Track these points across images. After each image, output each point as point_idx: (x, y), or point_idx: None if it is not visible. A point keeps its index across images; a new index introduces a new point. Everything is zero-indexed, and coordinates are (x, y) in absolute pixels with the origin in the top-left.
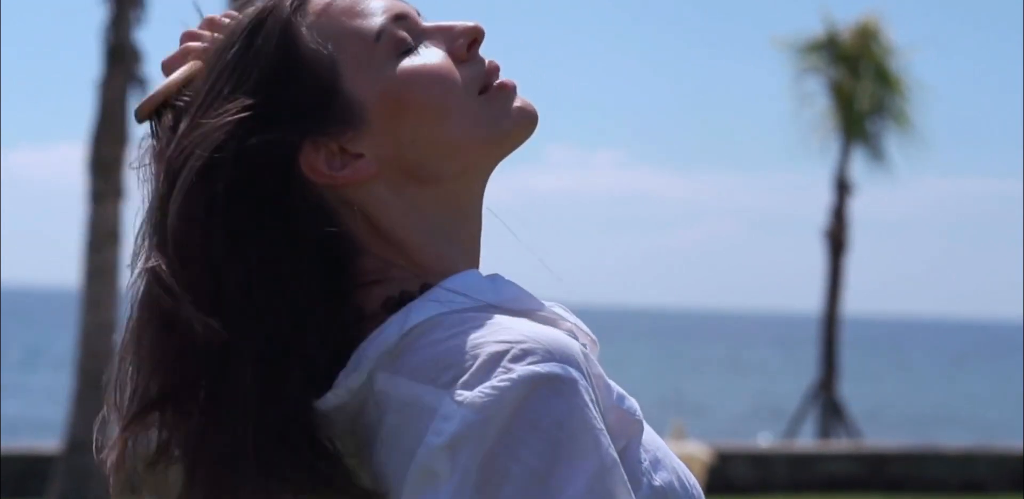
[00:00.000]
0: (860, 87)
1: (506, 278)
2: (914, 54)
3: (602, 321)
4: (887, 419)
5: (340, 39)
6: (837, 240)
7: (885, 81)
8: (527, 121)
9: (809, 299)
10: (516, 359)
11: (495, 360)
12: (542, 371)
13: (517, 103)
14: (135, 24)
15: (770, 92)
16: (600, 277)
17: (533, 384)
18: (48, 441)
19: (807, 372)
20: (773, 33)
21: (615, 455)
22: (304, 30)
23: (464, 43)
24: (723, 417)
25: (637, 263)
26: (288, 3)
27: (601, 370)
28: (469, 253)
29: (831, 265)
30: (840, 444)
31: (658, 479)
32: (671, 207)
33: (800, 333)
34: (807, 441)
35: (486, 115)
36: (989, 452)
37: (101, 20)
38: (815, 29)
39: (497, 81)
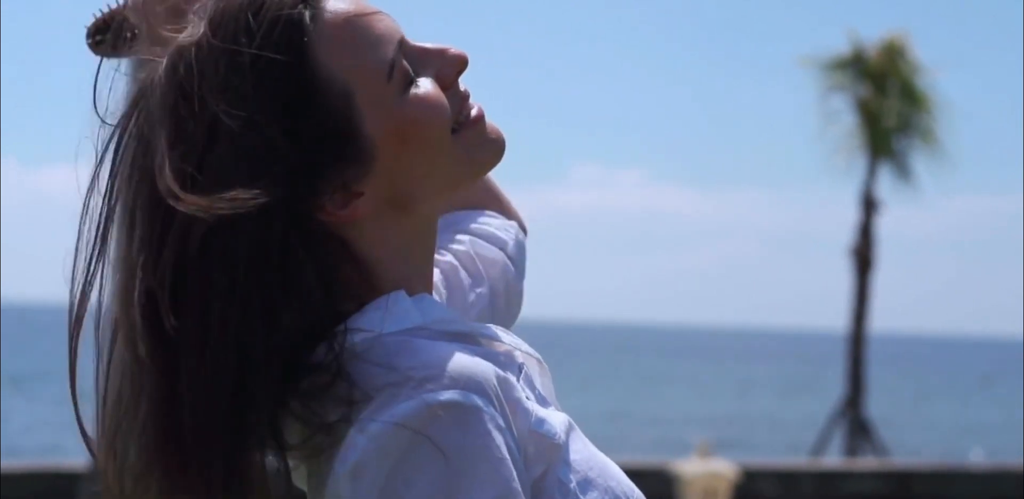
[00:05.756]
0: (886, 105)
1: (434, 299)
2: (941, 72)
3: (627, 339)
4: (914, 437)
5: (355, 72)
6: (864, 258)
7: (912, 99)
8: (498, 151)
9: (835, 317)
10: (417, 386)
11: (398, 388)
12: (442, 398)
13: (489, 134)
14: None
15: (796, 110)
16: (624, 295)
17: (432, 412)
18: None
19: (834, 390)
20: (799, 51)
21: (517, 486)
22: (321, 47)
23: (453, 73)
24: (750, 433)
25: (662, 281)
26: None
27: (521, 395)
28: (422, 270)
29: (858, 283)
30: (867, 462)
31: None
32: (696, 225)
33: (826, 350)
34: (834, 459)
35: (466, 149)
36: (1016, 470)
37: None
38: (841, 47)
39: (473, 113)
